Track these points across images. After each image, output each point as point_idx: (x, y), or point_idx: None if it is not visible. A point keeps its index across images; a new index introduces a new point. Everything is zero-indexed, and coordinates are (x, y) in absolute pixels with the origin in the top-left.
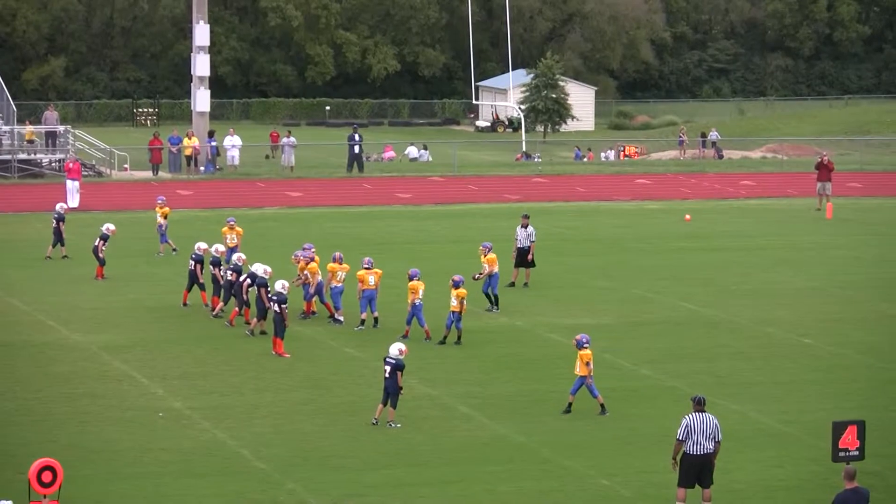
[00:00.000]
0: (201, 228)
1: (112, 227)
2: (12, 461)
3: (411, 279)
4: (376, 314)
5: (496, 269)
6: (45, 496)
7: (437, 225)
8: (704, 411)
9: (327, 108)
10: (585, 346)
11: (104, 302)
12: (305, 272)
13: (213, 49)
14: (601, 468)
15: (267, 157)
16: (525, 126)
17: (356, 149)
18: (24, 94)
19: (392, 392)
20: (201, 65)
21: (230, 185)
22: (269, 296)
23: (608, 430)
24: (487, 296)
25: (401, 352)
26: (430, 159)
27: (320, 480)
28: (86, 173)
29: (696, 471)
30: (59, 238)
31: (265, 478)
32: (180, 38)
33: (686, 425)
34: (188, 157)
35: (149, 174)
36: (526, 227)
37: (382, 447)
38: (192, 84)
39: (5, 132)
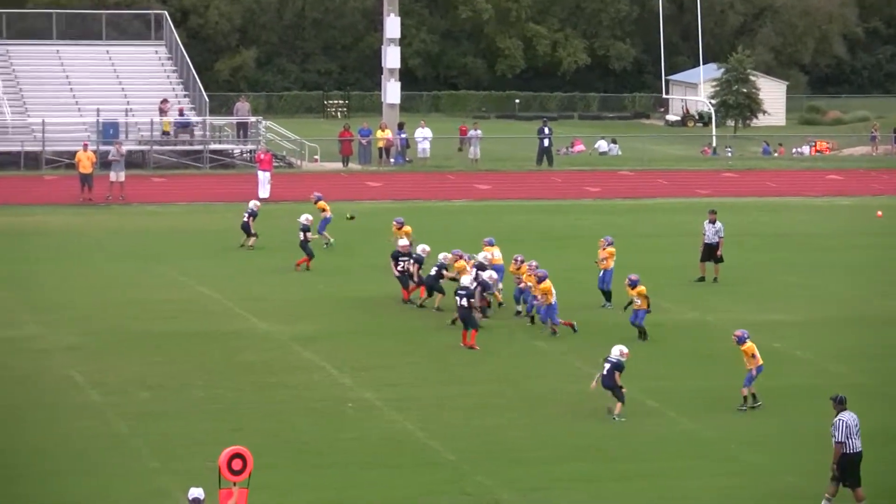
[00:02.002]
0: (390, 220)
1: (307, 220)
2: (202, 449)
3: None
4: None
5: (611, 266)
6: (234, 483)
7: (625, 219)
8: (846, 409)
9: (517, 101)
10: (746, 340)
11: (293, 292)
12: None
13: (404, 41)
14: (789, 465)
15: (459, 149)
16: (715, 121)
17: (546, 142)
18: (216, 86)
19: (607, 387)
20: (392, 57)
21: (420, 177)
22: (457, 290)
23: (799, 426)
24: (603, 292)
25: (622, 353)
26: (620, 153)
27: (508, 474)
28: (277, 164)
29: (851, 469)
30: (247, 231)
31: (454, 469)
32: (371, 31)
33: (843, 426)
34: (380, 149)
35: (339, 165)
36: (714, 223)
37: (570, 441)
38: (382, 76)
39: (197, 123)
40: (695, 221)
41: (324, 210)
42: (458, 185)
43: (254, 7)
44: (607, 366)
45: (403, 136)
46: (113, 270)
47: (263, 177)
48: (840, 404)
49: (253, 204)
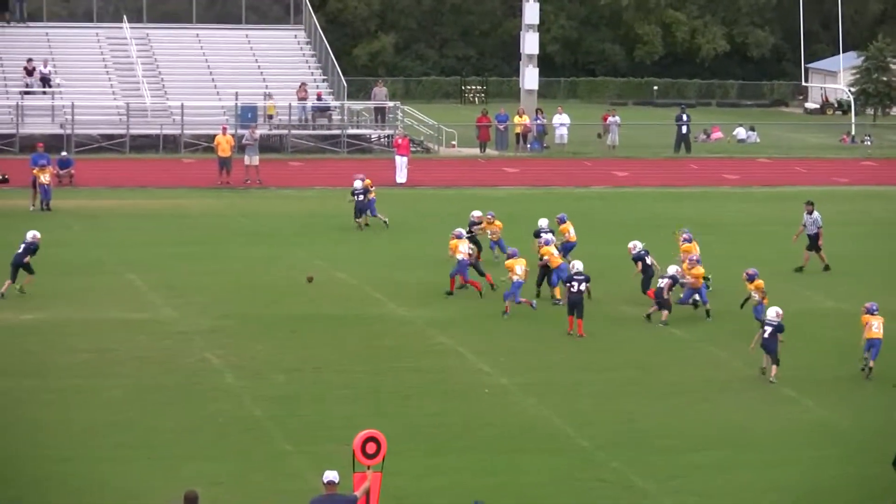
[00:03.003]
0: (527, 206)
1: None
2: (338, 434)
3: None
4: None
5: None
6: (368, 467)
7: (763, 207)
8: None
9: (655, 87)
10: (875, 311)
11: (429, 277)
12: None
13: (542, 27)
14: None
15: (599, 136)
16: (854, 109)
17: (684, 129)
18: (355, 70)
19: (769, 350)
20: (530, 43)
21: (557, 163)
22: (573, 276)
23: None
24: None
25: (778, 314)
26: (758, 141)
27: (643, 460)
28: (414, 149)
29: None
30: (362, 211)
31: (588, 456)
32: (509, 17)
33: None
34: (517, 135)
35: (476, 151)
36: (811, 214)
37: (706, 429)
38: (520, 62)
39: (335, 107)
40: (835, 211)
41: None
42: (595, 172)
43: None
44: (769, 329)
45: (541, 122)
46: (249, 254)
47: (401, 161)
48: None
49: (357, 183)
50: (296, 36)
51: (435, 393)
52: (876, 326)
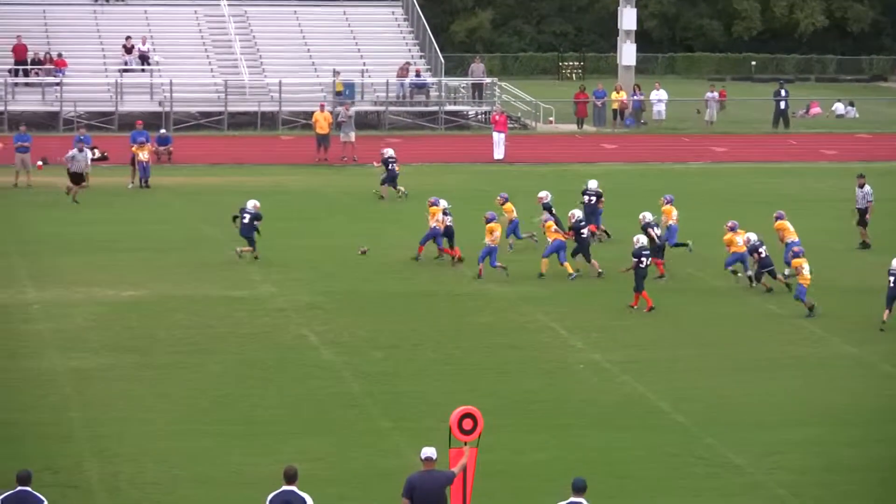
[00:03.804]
0: (625, 181)
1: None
2: (434, 409)
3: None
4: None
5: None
6: (465, 443)
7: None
8: None
9: (753, 63)
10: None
11: (524, 254)
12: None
13: (640, 3)
14: None
15: (697, 111)
16: None
17: (782, 105)
18: (452, 47)
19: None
20: (628, 18)
21: (655, 139)
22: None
23: None
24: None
25: None
26: (857, 116)
27: (738, 437)
28: (511, 126)
29: None
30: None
31: (684, 432)
32: None
33: None
34: (614, 111)
35: (573, 127)
36: (862, 188)
37: (802, 406)
38: (618, 38)
39: (433, 84)
40: None
41: (509, 212)
42: (693, 148)
43: None
44: (892, 278)
45: (639, 98)
46: (348, 231)
47: (498, 138)
48: None
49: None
50: (393, 12)
51: (530, 369)
52: None
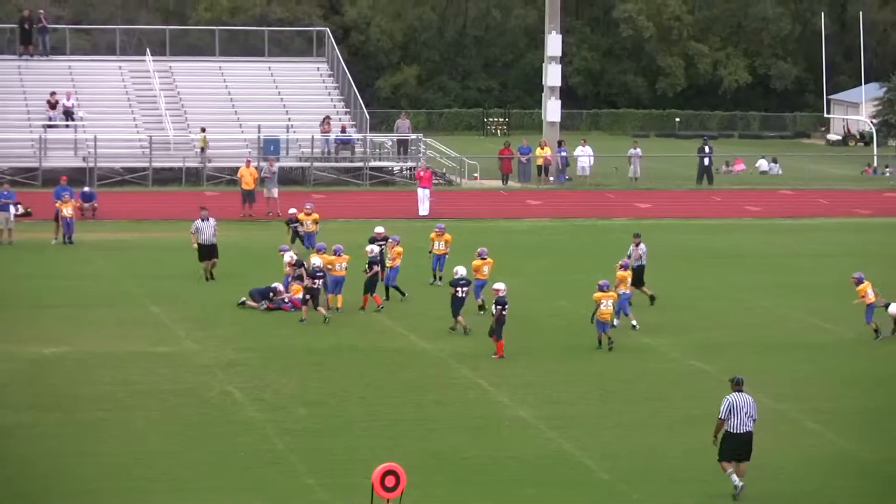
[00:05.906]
0: (548, 237)
1: None
2: (362, 466)
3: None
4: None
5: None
6: (388, 500)
7: (787, 238)
8: (742, 391)
9: (677, 119)
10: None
11: (448, 310)
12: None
13: (565, 59)
14: None
15: (615, 168)
16: (877, 140)
17: (706, 161)
18: (377, 103)
19: None
20: (553, 75)
21: (580, 195)
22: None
23: None
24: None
25: None
26: (781, 172)
27: (665, 493)
28: (436, 182)
29: (736, 446)
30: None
31: (610, 489)
32: (532, 48)
33: (728, 405)
34: (539, 167)
35: (498, 183)
36: (638, 246)
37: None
38: (542, 94)
39: (358, 140)
40: (857, 241)
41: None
42: (617, 204)
43: (415, 25)
44: None
45: (564, 153)
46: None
47: (423, 194)
48: (736, 385)
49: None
50: (318, 68)
51: (457, 425)
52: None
